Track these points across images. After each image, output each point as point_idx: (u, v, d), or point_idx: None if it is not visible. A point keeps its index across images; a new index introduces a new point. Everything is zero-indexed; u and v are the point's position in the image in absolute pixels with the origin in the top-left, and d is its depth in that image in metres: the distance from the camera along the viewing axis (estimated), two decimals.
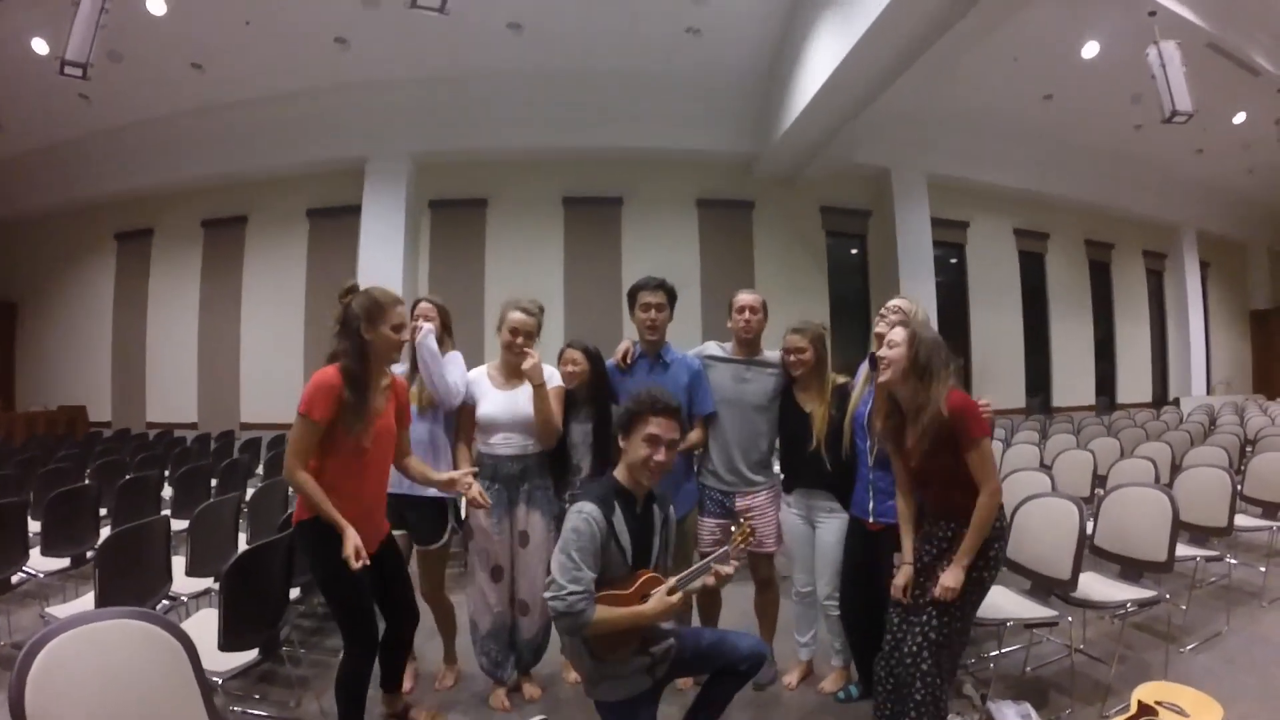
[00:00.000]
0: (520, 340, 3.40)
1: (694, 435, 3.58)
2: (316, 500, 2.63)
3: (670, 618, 2.51)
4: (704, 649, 2.67)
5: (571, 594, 2.33)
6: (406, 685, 3.46)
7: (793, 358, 3.49)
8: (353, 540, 2.58)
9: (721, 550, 2.64)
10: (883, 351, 2.80)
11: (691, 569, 2.58)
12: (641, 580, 2.49)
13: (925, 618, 2.71)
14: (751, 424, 3.60)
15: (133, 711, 1.77)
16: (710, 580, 2.57)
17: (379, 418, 2.83)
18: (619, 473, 2.64)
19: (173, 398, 12.41)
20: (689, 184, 12.07)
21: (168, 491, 5.91)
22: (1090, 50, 10.34)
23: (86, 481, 5.98)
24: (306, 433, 2.65)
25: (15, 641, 4.18)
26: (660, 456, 2.55)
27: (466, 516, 3.46)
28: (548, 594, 2.40)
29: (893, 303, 3.24)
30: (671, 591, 2.45)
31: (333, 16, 9.54)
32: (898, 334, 2.77)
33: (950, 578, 2.64)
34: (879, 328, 3.13)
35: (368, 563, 2.61)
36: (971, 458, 2.65)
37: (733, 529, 2.69)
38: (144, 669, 1.81)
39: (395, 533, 3.20)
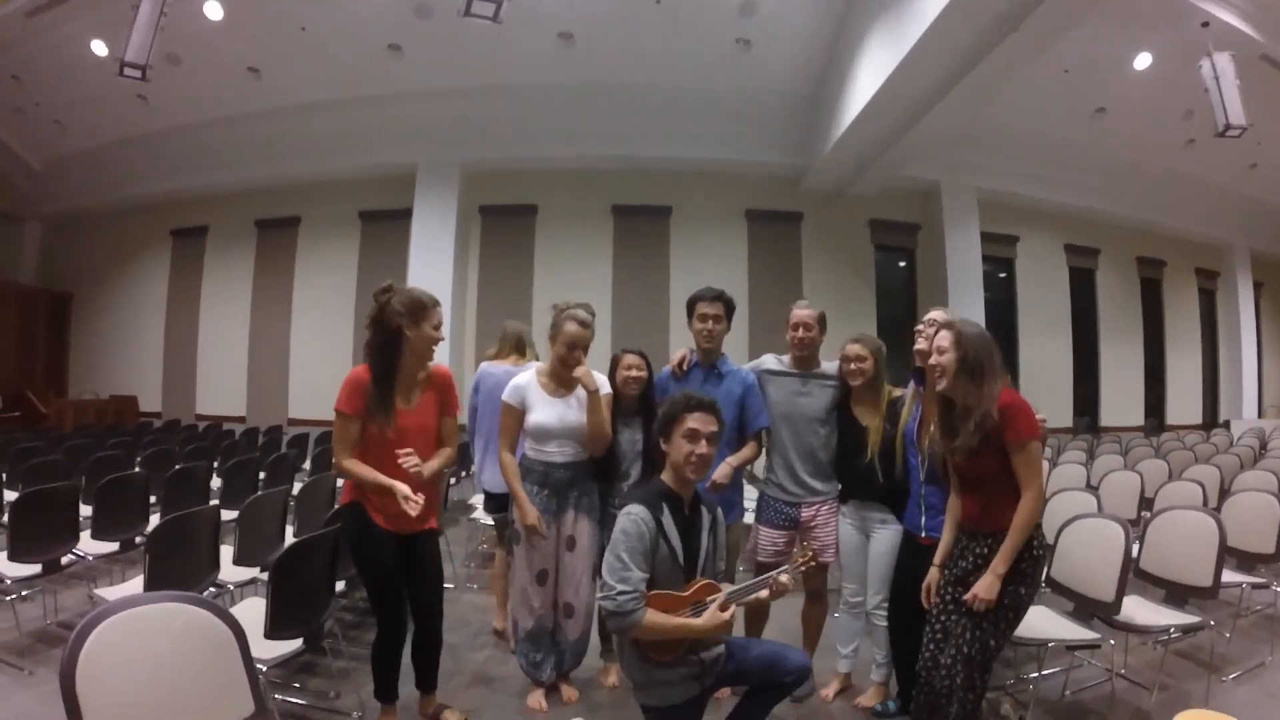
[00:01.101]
0: (577, 354, 3.42)
1: (746, 451, 3.58)
2: (362, 475, 2.89)
3: (718, 633, 2.54)
4: (751, 661, 2.66)
5: (621, 593, 2.37)
6: None
7: (853, 366, 3.47)
8: (403, 489, 2.80)
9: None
10: (933, 359, 2.76)
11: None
12: (698, 586, 2.52)
13: (962, 631, 2.67)
14: (810, 436, 3.60)
15: (180, 692, 1.83)
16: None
17: (410, 412, 3.02)
18: (665, 476, 2.67)
19: (222, 392, 12.71)
20: (737, 196, 12.04)
21: (216, 482, 6.06)
22: (1142, 63, 10.15)
23: (137, 469, 6.14)
24: (341, 426, 2.94)
25: (62, 620, 4.30)
26: (701, 449, 2.59)
27: (514, 520, 3.50)
28: (599, 595, 2.44)
29: (930, 315, 3.21)
30: (724, 606, 2.47)
31: (387, 24, 9.71)
32: (944, 338, 2.72)
33: (983, 586, 2.57)
34: (920, 344, 3.10)
35: (419, 500, 2.82)
36: (1018, 459, 2.60)
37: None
38: (193, 652, 1.87)
39: None
